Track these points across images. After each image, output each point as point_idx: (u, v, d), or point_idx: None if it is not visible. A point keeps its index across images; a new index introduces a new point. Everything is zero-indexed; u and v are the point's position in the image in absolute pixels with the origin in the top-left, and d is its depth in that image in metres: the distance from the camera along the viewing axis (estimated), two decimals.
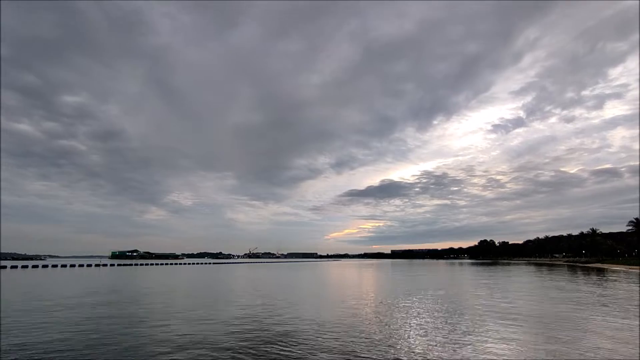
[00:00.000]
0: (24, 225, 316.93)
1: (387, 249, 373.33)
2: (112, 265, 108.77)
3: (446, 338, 12.81)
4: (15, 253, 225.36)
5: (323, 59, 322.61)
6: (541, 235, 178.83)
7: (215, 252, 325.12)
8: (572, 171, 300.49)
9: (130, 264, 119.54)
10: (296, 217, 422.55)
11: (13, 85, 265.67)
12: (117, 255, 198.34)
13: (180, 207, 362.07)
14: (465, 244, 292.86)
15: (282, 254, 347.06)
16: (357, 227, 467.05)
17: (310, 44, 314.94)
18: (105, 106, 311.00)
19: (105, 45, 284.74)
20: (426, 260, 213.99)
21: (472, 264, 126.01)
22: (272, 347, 11.79)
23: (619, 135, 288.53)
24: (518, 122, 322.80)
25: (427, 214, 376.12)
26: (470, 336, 13.05)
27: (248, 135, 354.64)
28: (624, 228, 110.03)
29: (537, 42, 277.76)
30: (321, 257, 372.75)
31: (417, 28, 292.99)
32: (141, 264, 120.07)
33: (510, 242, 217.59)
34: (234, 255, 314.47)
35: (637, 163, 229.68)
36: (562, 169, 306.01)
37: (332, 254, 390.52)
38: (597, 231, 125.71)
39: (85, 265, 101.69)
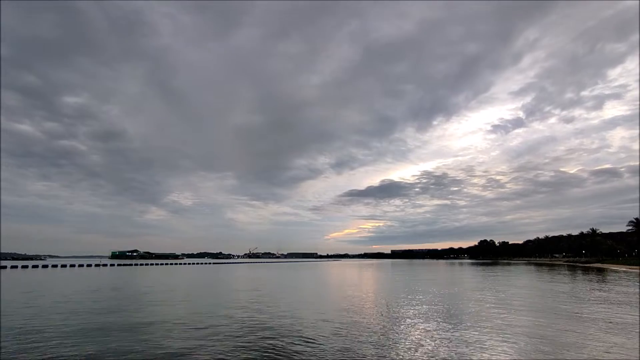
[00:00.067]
0: (24, 225, 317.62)
1: (387, 249, 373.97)
2: (112, 265, 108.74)
3: (446, 338, 12.83)
4: (15, 253, 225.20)
5: (323, 59, 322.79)
6: (541, 235, 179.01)
7: (215, 252, 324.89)
8: (571, 171, 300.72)
9: (130, 264, 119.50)
10: (296, 217, 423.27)
11: (14, 85, 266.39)
12: (117, 255, 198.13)
13: (181, 207, 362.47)
14: (465, 244, 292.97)
15: (282, 254, 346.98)
16: (357, 227, 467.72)
17: (310, 45, 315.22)
18: (106, 106, 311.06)
19: (106, 46, 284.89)
20: (426, 260, 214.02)
21: (472, 264, 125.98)
22: (272, 348, 11.79)
23: (618, 136, 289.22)
24: (518, 123, 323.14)
25: (427, 214, 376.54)
26: (474, 332, 13.09)
27: (248, 135, 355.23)
28: (624, 228, 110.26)
29: (537, 42, 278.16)
30: (321, 257, 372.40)
31: (417, 28, 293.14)
32: (141, 264, 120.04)
33: (510, 242, 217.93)
34: (234, 255, 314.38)
35: (637, 163, 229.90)
36: (561, 169, 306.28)
37: (332, 254, 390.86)
38: (597, 231, 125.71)
39: (85, 265, 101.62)
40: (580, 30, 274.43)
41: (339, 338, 12.91)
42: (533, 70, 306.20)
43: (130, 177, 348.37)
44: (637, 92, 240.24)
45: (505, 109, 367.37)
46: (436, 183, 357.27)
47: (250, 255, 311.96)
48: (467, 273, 60.97)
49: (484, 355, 10.67)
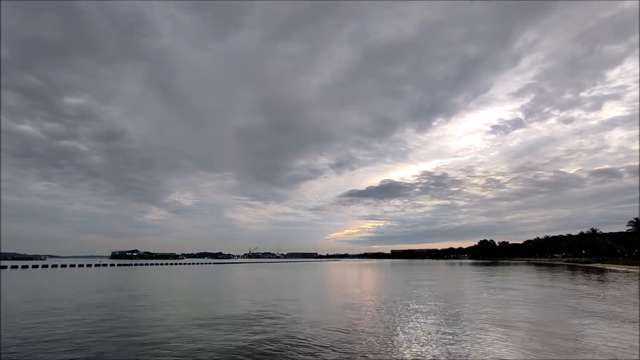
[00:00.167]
0: (24, 225, 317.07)
1: (387, 249, 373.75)
2: (111, 265, 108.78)
3: (447, 338, 12.82)
4: (15, 253, 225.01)
5: (323, 60, 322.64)
6: (541, 235, 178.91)
7: (215, 252, 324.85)
8: (571, 172, 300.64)
9: (130, 264, 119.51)
10: (296, 217, 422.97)
11: (15, 86, 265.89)
12: (117, 255, 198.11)
13: (181, 207, 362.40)
14: (465, 244, 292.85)
15: (282, 254, 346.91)
16: (357, 227, 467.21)
17: (310, 46, 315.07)
18: (107, 107, 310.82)
19: (107, 47, 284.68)
20: (426, 260, 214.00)
21: (472, 264, 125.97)
22: (272, 347, 11.79)
23: (617, 136, 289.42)
24: (517, 123, 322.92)
25: (427, 214, 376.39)
26: (473, 333, 13.08)
27: (248, 136, 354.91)
28: (623, 228, 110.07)
29: (536, 44, 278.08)
30: (321, 257, 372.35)
31: (416, 30, 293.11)
32: (141, 264, 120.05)
33: (510, 242, 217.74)
34: (234, 255, 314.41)
35: (636, 163, 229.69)
36: (561, 170, 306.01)
37: (332, 254, 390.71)
38: (597, 231, 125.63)
39: (85, 265, 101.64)
40: (579, 32, 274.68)
41: (339, 338, 12.90)
42: (532, 72, 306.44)
43: (130, 177, 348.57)
44: (636, 93, 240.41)
45: (504, 110, 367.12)
46: (436, 183, 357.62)
47: (250, 255, 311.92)
48: (467, 273, 60.97)
49: (484, 354, 10.67)
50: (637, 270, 59.45)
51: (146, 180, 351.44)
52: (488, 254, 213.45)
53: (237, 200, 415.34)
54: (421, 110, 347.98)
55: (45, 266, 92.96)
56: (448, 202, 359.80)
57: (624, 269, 66.14)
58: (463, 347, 11.50)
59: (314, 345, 12.01)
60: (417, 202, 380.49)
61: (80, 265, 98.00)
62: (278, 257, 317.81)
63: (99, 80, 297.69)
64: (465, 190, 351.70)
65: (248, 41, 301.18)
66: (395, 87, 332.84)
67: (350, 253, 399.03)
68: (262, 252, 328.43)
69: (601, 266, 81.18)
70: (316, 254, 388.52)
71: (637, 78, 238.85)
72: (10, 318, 17.15)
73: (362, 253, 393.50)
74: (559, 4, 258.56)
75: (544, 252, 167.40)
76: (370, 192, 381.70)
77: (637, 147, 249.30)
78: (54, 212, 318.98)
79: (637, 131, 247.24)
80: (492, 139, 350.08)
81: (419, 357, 10.49)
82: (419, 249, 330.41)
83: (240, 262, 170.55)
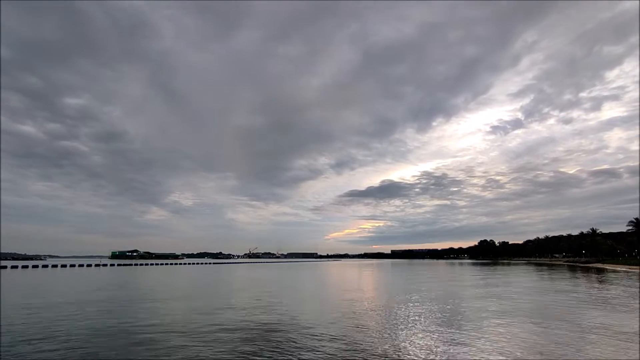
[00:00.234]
0: (25, 225, 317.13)
1: (387, 249, 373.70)
2: (111, 265, 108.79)
3: (446, 338, 12.82)
4: (15, 253, 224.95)
5: (323, 61, 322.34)
6: (541, 235, 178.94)
7: (215, 252, 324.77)
8: (570, 172, 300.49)
9: (130, 264, 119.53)
10: (296, 217, 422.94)
11: (16, 87, 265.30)
12: (117, 255, 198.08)
13: (181, 207, 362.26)
14: (465, 244, 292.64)
15: (282, 254, 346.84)
16: (357, 227, 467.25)
17: (310, 47, 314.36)
18: (108, 108, 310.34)
19: (108, 47, 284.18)
20: (426, 260, 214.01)
21: (472, 264, 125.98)
22: (272, 347, 11.80)
23: (616, 137, 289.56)
24: (516, 124, 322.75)
25: (427, 214, 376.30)
26: (473, 333, 13.08)
27: (249, 136, 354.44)
28: (623, 228, 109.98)
29: (535, 45, 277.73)
30: (321, 257, 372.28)
31: (416, 31, 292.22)
32: (141, 264, 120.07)
33: (510, 242, 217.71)
34: (234, 255, 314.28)
35: (636, 164, 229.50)
36: (560, 170, 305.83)
37: (332, 254, 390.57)
38: (597, 231, 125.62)
39: (85, 265, 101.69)
40: (578, 33, 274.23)
41: (339, 338, 12.90)
42: (531, 72, 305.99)
43: (131, 177, 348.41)
44: (635, 93, 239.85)
45: (504, 111, 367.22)
46: (436, 183, 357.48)
47: (250, 255, 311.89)
48: (467, 273, 60.95)
49: (483, 355, 10.67)
50: (637, 271, 59.44)
51: (146, 181, 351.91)
52: (488, 254, 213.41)
53: (237, 201, 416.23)
54: (421, 111, 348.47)
55: (45, 266, 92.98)
56: (448, 202, 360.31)
57: (624, 269, 66.13)
58: (463, 347, 11.51)
59: (314, 345, 12.01)
60: (417, 202, 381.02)
61: (80, 265, 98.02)
62: (278, 257, 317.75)
63: (100, 81, 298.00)
64: (465, 190, 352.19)
65: (248, 42, 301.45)
66: (395, 87, 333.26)
67: (350, 253, 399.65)
68: (262, 252, 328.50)
69: (601, 266, 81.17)
70: (316, 254, 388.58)
71: (637, 79, 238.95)
72: (10, 318, 17.14)
73: (362, 253, 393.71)
74: (559, 5, 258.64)
75: (544, 252, 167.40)
76: (370, 192, 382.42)
77: (637, 148, 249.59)
78: (54, 212, 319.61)
79: (637, 131, 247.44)
80: (492, 140, 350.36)
81: (419, 357, 10.50)
82: (419, 249, 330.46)
83: (240, 262, 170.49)
